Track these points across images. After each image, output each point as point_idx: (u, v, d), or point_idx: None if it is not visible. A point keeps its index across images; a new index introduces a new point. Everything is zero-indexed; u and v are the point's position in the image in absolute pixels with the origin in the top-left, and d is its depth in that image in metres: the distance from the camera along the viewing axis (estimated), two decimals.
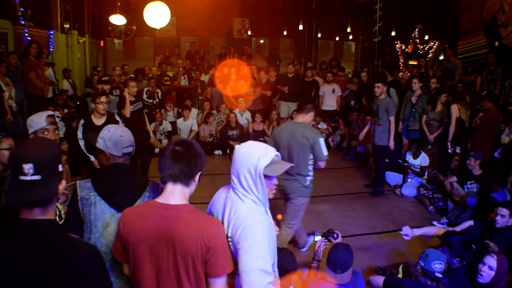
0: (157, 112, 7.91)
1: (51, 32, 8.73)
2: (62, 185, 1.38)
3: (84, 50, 10.63)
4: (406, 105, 6.61)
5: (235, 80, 8.68)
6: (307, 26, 12.57)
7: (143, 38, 12.93)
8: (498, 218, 3.48)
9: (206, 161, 1.66)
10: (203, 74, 9.86)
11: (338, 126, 8.27)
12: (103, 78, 7.22)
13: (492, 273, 2.73)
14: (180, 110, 8.55)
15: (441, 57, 10.35)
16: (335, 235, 2.98)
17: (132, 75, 8.61)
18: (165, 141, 7.82)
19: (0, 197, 2.38)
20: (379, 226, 4.75)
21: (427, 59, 11.09)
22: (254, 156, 1.70)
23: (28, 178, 1.27)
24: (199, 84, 9.47)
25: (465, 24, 10.07)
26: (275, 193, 1.83)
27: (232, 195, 1.77)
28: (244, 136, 7.76)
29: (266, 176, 1.72)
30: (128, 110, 5.26)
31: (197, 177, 1.64)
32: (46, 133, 2.55)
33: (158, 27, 6.39)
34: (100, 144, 1.98)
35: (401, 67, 11.96)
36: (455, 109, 5.80)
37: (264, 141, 6.21)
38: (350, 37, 12.88)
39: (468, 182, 4.92)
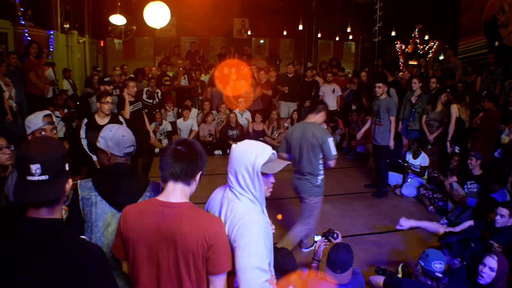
0: (157, 112, 7.91)
1: (51, 32, 8.73)
2: (69, 184, 1.38)
3: (84, 50, 10.63)
4: (405, 105, 6.61)
5: (235, 80, 8.69)
6: (307, 26, 12.57)
7: (143, 38, 12.93)
8: (498, 218, 3.48)
9: (206, 160, 1.68)
10: (203, 74, 9.86)
11: (338, 125, 8.28)
12: (105, 79, 7.22)
13: (493, 274, 2.73)
14: (180, 110, 8.55)
15: (441, 57, 10.36)
16: (335, 235, 2.99)
17: (132, 75, 8.61)
18: (165, 141, 7.82)
19: None
20: (379, 226, 4.75)
21: (427, 59, 11.10)
22: (252, 154, 1.71)
23: (36, 178, 1.27)
24: (199, 84, 9.47)
25: (465, 24, 10.08)
26: (271, 191, 1.85)
27: (229, 194, 1.78)
28: (244, 136, 7.76)
29: (263, 174, 1.74)
30: (127, 111, 5.25)
31: (198, 176, 1.65)
32: (43, 133, 2.54)
33: (158, 27, 6.39)
34: (101, 144, 1.98)
35: (401, 67, 11.97)
36: (455, 109, 5.80)
37: (264, 141, 6.22)
38: (350, 37, 12.89)
39: (468, 182, 4.92)
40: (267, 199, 1.82)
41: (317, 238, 3.53)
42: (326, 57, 12.95)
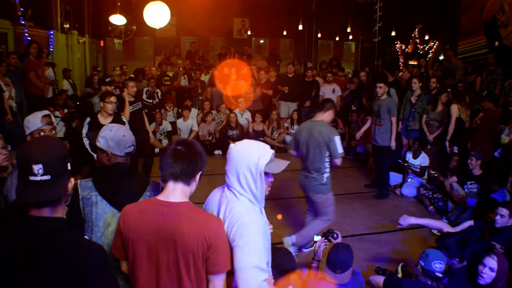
0: (157, 112, 7.91)
1: (51, 32, 8.72)
2: (71, 184, 1.39)
3: (84, 50, 10.63)
4: (405, 105, 6.61)
5: (235, 80, 8.69)
6: (307, 26, 12.56)
7: (143, 38, 12.93)
8: (498, 218, 3.48)
9: (206, 160, 1.69)
10: (203, 74, 9.86)
11: (337, 125, 8.27)
12: (106, 80, 7.23)
13: (493, 274, 2.73)
14: (180, 110, 8.55)
15: (441, 57, 10.36)
16: (335, 235, 2.99)
17: (132, 75, 8.61)
18: (165, 141, 7.82)
19: None
20: (379, 226, 4.75)
21: (427, 59, 11.10)
22: (254, 154, 1.71)
23: (38, 178, 1.27)
24: (199, 84, 9.47)
25: (465, 24, 10.07)
26: (270, 190, 1.85)
27: (228, 193, 1.78)
28: (244, 136, 7.75)
29: (264, 174, 1.74)
30: (127, 112, 5.24)
31: (197, 176, 1.66)
32: (42, 133, 2.53)
33: (158, 27, 6.40)
34: (102, 143, 1.98)
35: (401, 67, 11.97)
36: (455, 109, 5.80)
37: (264, 141, 6.22)
38: (350, 37, 12.89)
39: (468, 182, 4.92)
40: (266, 198, 1.83)
41: (317, 238, 3.54)
42: (326, 57, 12.95)
